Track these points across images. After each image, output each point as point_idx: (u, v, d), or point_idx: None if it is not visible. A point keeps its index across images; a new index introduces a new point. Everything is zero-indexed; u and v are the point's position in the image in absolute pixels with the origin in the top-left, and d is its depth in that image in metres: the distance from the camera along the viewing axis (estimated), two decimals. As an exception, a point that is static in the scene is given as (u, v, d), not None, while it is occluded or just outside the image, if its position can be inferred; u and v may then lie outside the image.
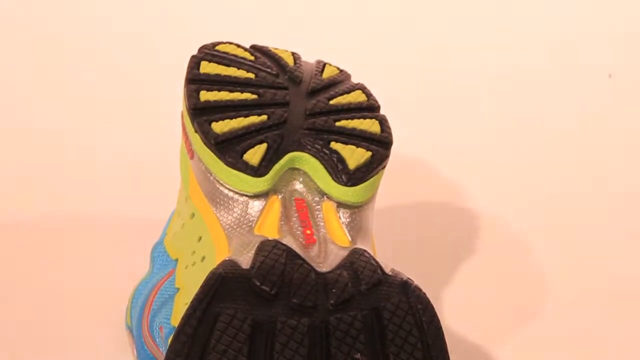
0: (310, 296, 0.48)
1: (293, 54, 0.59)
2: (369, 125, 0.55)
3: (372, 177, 0.53)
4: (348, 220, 0.53)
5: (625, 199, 0.78)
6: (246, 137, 0.53)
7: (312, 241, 0.51)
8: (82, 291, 0.64)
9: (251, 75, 0.56)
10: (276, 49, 0.59)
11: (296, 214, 0.52)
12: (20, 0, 0.96)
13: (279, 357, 0.46)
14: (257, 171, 0.52)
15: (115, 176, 0.75)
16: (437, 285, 0.66)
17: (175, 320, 0.52)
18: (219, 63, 0.56)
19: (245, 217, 0.52)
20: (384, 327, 0.48)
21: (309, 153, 0.53)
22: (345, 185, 0.53)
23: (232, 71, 0.56)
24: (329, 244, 0.51)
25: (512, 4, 1.01)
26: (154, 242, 0.60)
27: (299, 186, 0.53)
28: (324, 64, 0.59)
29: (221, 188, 0.53)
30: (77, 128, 0.82)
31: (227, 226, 0.52)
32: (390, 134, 0.55)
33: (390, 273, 0.50)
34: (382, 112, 0.57)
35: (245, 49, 0.59)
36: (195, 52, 0.58)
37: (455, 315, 0.63)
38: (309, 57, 0.61)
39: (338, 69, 0.59)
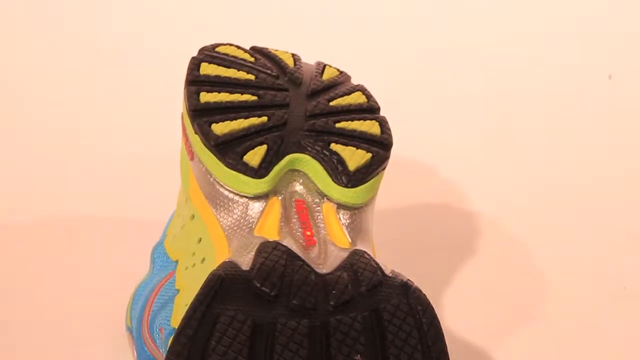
0: (310, 297, 0.48)
1: (293, 55, 0.59)
2: (369, 127, 0.55)
3: (372, 178, 0.53)
4: (348, 221, 0.53)
5: (625, 200, 0.78)
6: (246, 138, 0.53)
7: (312, 242, 0.51)
8: (82, 292, 0.64)
9: (251, 77, 0.56)
10: (276, 50, 0.60)
11: (296, 216, 0.52)
12: (20, 0, 0.97)
13: (279, 359, 0.46)
14: (257, 172, 0.52)
15: (116, 177, 0.75)
16: (437, 286, 0.66)
17: (175, 321, 0.52)
18: (219, 64, 0.57)
19: (246, 219, 0.52)
20: (384, 329, 0.48)
21: (309, 154, 0.53)
22: (346, 186, 0.53)
23: (232, 73, 0.56)
24: (329, 246, 0.51)
25: (512, 6, 1.01)
26: (154, 243, 0.60)
27: (299, 187, 0.53)
28: (324, 66, 0.59)
29: (221, 189, 0.53)
30: (77, 129, 0.82)
31: (227, 227, 0.52)
32: (390, 135, 0.55)
33: (390, 274, 0.50)
34: (382, 113, 0.57)
35: (245, 51, 0.59)
36: (195, 53, 0.58)
37: (455, 317, 0.63)
38: (309, 59, 0.61)
39: (338, 70, 0.59)
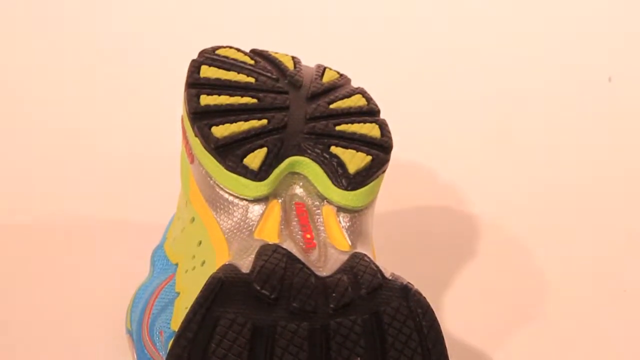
0: (310, 300, 0.48)
1: (293, 58, 0.59)
2: (369, 130, 0.55)
3: (372, 181, 0.53)
4: (348, 224, 0.53)
5: (625, 200, 0.78)
6: (246, 141, 0.53)
7: (312, 245, 0.51)
8: (83, 295, 0.64)
9: (251, 80, 0.56)
10: (276, 53, 0.59)
11: (296, 218, 0.52)
12: (21, 0, 0.96)
13: (279, 362, 0.46)
14: (257, 175, 0.52)
15: (116, 179, 0.75)
16: (437, 288, 0.66)
17: (176, 324, 0.52)
18: (219, 67, 0.56)
19: (246, 222, 0.52)
20: (384, 332, 0.48)
21: (309, 157, 0.53)
22: (345, 189, 0.53)
23: (232, 75, 0.56)
24: (329, 248, 0.51)
25: (512, 6, 1.01)
26: (154, 246, 0.60)
27: (299, 190, 0.53)
28: (324, 68, 0.59)
29: (221, 192, 0.53)
30: (77, 129, 0.82)
31: (227, 230, 0.52)
32: (390, 138, 0.55)
33: (390, 277, 0.50)
34: (382, 113, 0.57)
35: (245, 53, 0.59)
36: (195, 53, 0.58)
37: (455, 319, 0.63)
38: (308, 59, 0.61)
39: (338, 73, 0.59)
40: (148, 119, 0.82)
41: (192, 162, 0.55)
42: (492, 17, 0.99)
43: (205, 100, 0.54)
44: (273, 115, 0.54)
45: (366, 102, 0.57)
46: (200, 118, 0.54)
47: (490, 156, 0.82)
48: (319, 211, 0.53)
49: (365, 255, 0.51)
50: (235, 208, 0.53)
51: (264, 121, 0.54)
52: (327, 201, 0.53)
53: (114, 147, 0.79)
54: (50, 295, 0.64)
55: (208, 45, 0.59)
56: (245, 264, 0.49)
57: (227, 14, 0.97)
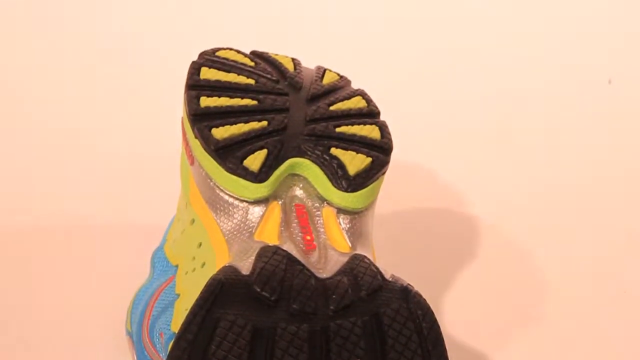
0: (310, 302, 0.48)
1: (293, 59, 0.59)
2: (369, 131, 0.55)
3: (372, 183, 0.53)
4: (348, 226, 0.53)
5: (625, 200, 0.78)
6: (246, 143, 0.53)
7: (312, 247, 0.51)
8: (83, 296, 0.64)
9: (251, 81, 0.56)
10: (276, 54, 0.59)
11: (296, 220, 0.52)
12: (21, 0, 0.96)
13: (279, 363, 0.46)
14: (257, 177, 0.52)
15: (116, 179, 0.75)
16: (437, 291, 0.66)
17: (176, 326, 0.52)
18: (219, 69, 0.56)
19: (246, 223, 0.52)
20: (384, 333, 0.48)
21: (309, 159, 0.53)
22: (346, 191, 0.53)
23: (232, 77, 0.56)
24: (329, 250, 0.51)
25: (512, 6, 1.00)
26: (154, 247, 0.60)
27: (299, 192, 0.53)
28: (324, 70, 0.59)
29: (221, 194, 0.53)
30: (77, 129, 0.81)
31: (228, 232, 0.52)
32: (390, 140, 0.55)
33: (390, 279, 0.50)
34: (382, 113, 0.57)
35: (246, 55, 0.59)
36: (195, 53, 0.58)
37: (455, 321, 0.63)
38: (308, 59, 0.61)
39: (338, 74, 0.59)
40: (148, 120, 0.81)
41: (192, 163, 0.55)
42: (492, 17, 0.99)
43: (206, 102, 0.54)
44: (273, 117, 0.54)
45: (366, 104, 0.57)
46: (200, 120, 0.54)
47: (490, 156, 0.82)
48: (319, 213, 0.53)
49: (366, 256, 0.51)
50: (235, 210, 0.53)
51: (264, 123, 0.54)
52: (327, 203, 0.53)
53: (114, 147, 0.79)
54: (50, 295, 0.64)
55: (208, 46, 0.59)
56: (246, 266, 0.49)
57: (227, 15, 0.97)
